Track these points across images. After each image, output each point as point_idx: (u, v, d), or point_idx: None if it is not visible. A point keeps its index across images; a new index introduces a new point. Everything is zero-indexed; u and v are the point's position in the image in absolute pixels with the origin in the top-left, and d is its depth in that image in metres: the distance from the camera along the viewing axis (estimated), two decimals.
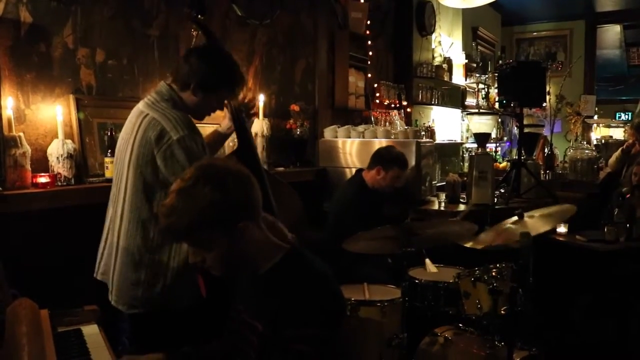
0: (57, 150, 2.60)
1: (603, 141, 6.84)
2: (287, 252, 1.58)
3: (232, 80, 2.31)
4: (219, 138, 2.65)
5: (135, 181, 2.12)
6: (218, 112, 2.42)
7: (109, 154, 2.74)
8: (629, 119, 11.01)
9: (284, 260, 1.56)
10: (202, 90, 2.22)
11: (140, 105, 2.22)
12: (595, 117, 8.24)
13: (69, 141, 2.65)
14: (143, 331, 2.18)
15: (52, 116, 2.65)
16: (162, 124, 2.08)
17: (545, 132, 6.28)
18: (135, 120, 2.15)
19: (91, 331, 1.81)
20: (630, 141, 4.97)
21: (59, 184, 2.62)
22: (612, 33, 9.65)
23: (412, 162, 4.21)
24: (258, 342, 1.51)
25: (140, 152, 2.10)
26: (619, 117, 11.42)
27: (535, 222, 2.73)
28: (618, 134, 8.92)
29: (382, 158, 3.70)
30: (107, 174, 2.74)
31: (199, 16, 2.61)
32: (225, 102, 2.48)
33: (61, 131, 2.62)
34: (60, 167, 2.61)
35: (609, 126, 9.45)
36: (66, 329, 1.82)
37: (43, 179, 2.54)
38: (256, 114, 2.62)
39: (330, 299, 1.54)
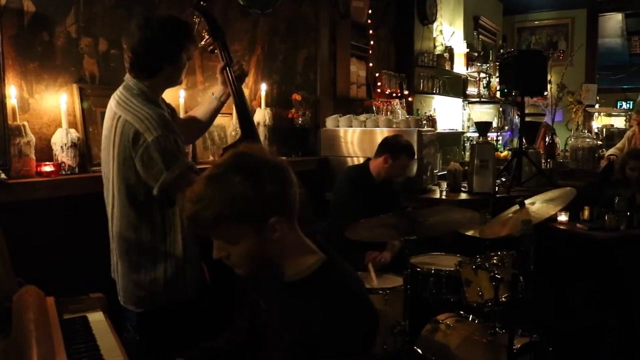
0: (61, 139, 2.61)
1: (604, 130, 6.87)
2: (324, 263, 1.43)
3: (186, 34, 2.20)
4: (215, 105, 2.57)
5: (120, 186, 2.12)
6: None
7: None
8: (630, 107, 11.00)
9: (319, 273, 1.41)
10: (170, 63, 2.17)
11: (112, 104, 2.16)
12: (597, 105, 8.24)
13: (72, 130, 2.66)
14: (151, 328, 2.18)
15: (55, 105, 2.66)
16: (135, 126, 2.04)
17: (547, 121, 6.28)
18: (112, 123, 2.13)
19: (97, 318, 1.82)
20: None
21: (63, 172, 2.63)
22: (613, 21, 9.61)
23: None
24: (284, 352, 1.42)
25: (120, 158, 2.09)
26: (620, 106, 11.40)
27: (538, 208, 2.73)
28: (619, 122, 8.93)
29: (391, 146, 3.57)
30: None
31: (202, 2, 2.57)
32: (219, 67, 2.49)
33: (65, 120, 2.63)
34: (64, 156, 2.62)
35: (610, 115, 9.45)
36: (72, 316, 1.82)
37: (47, 167, 2.56)
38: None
39: (367, 325, 1.43)
